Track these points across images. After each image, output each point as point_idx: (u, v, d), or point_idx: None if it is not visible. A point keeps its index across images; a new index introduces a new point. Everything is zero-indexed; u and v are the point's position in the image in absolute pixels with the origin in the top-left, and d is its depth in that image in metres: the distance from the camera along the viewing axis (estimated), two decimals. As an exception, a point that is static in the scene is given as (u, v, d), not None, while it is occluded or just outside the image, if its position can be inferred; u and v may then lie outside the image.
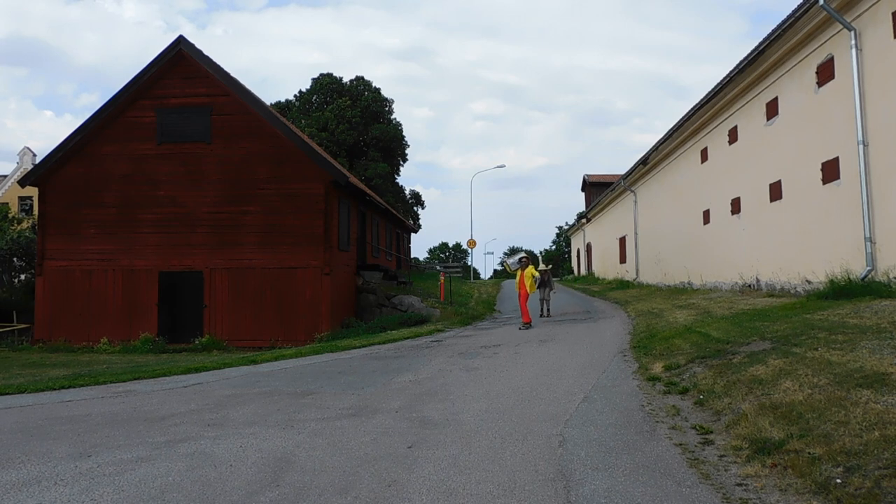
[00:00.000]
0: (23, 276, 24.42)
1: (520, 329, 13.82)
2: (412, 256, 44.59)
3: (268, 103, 24.17)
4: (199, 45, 17.91)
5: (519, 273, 15.34)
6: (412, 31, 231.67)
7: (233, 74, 17.89)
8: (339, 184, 17.69)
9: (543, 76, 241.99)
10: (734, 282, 15.37)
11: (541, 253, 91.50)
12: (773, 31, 12.21)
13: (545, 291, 16.75)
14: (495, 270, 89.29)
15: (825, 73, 11.20)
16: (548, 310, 16.65)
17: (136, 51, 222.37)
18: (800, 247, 12.09)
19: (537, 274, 15.59)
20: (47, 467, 4.72)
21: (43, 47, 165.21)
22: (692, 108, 17.31)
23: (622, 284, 26.21)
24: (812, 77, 11.64)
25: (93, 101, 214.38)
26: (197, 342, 16.67)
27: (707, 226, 17.49)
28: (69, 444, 5.43)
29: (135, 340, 16.82)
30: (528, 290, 14.90)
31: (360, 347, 12.45)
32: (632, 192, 26.30)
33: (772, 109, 13.36)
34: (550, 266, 18.30)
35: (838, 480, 3.43)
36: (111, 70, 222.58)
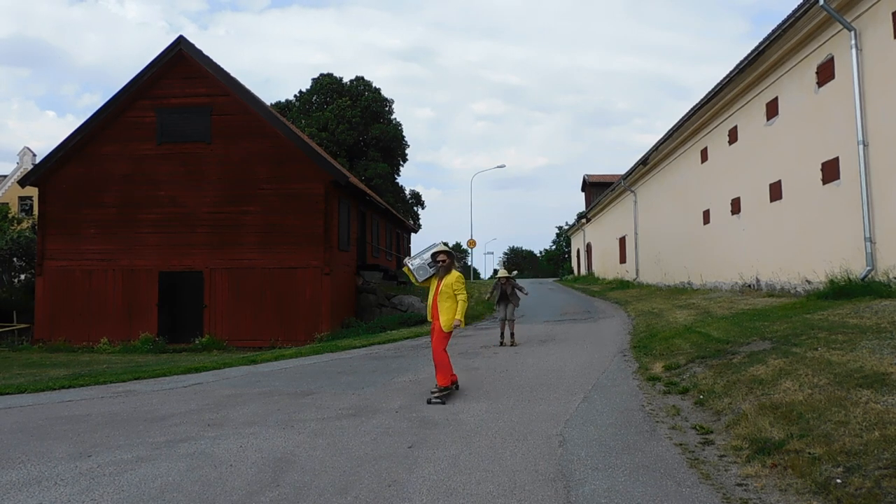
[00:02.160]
0: (23, 276, 24.43)
1: (430, 401, 6.62)
2: (412, 256, 44.56)
3: (268, 103, 24.18)
4: (201, 46, 17.93)
5: (434, 284, 7.19)
6: (414, 32, 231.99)
7: (235, 75, 17.93)
8: (339, 184, 17.69)
9: (545, 77, 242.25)
10: (734, 282, 15.36)
11: (540, 254, 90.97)
12: (773, 31, 12.21)
13: (507, 308, 11.58)
14: (495, 270, 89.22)
15: (825, 73, 11.19)
16: (511, 334, 11.44)
17: (139, 51, 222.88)
18: (800, 247, 12.09)
19: (457, 290, 7.06)
20: (47, 467, 4.72)
21: (46, 48, 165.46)
22: (692, 109, 17.31)
23: (622, 284, 26.21)
24: (812, 77, 11.64)
25: (95, 102, 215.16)
26: (197, 342, 16.68)
27: (707, 226, 17.49)
28: (69, 444, 5.42)
29: (135, 340, 16.83)
30: (444, 326, 6.93)
31: (360, 347, 12.44)
32: (632, 192, 26.30)
33: (772, 109, 13.36)
34: (515, 273, 12.84)
35: (838, 480, 3.43)
36: (114, 71, 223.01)
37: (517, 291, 11.86)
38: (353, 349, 12.22)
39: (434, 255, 7.14)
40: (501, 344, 11.40)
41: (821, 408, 4.55)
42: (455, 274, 7.02)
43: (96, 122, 17.79)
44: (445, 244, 7.31)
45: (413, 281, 7.27)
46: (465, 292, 7.01)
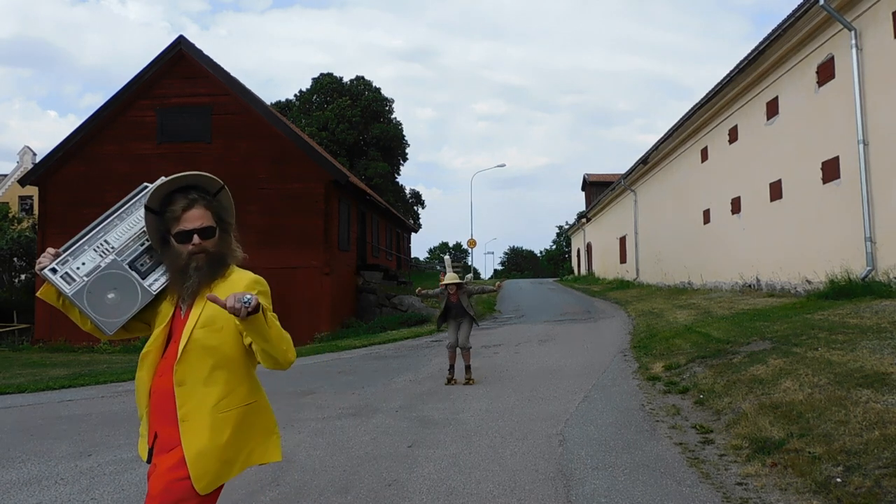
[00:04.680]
0: (23, 276, 24.43)
1: None
2: (412, 256, 44.58)
3: (269, 103, 24.18)
4: (203, 46, 18.00)
5: (160, 322, 2.05)
6: (416, 33, 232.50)
7: (236, 75, 17.95)
8: (339, 183, 17.69)
9: (546, 77, 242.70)
10: (734, 282, 15.36)
11: (540, 253, 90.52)
12: (774, 30, 12.21)
13: (459, 330, 7.98)
14: (495, 270, 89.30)
15: (825, 72, 11.19)
16: (466, 367, 7.89)
17: (141, 52, 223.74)
18: (800, 246, 12.09)
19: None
20: (47, 466, 4.72)
21: (48, 48, 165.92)
22: (692, 108, 17.31)
23: (622, 284, 26.20)
24: (812, 77, 11.63)
25: (96, 102, 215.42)
26: (197, 342, 16.67)
27: (707, 225, 17.48)
28: (69, 443, 5.43)
29: (135, 340, 16.82)
30: (200, 481, 1.88)
31: (360, 347, 12.45)
32: (632, 191, 26.29)
33: (772, 109, 13.36)
34: (469, 277, 7.13)
35: (838, 480, 3.43)
36: (115, 71, 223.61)
37: (469, 307, 8.01)
38: (353, 349, 12.22)
39: (160, 225, 2.08)
40: (450, 381, 7.78)
41: (821, 407, 4.55)
42: (247, 278, 2.12)
43: (96, 122, 17.79)
44: (205, 176, 2.09)
45: (82, 325, 2.17)
46: (276, 319, 1.99)
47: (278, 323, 1.98)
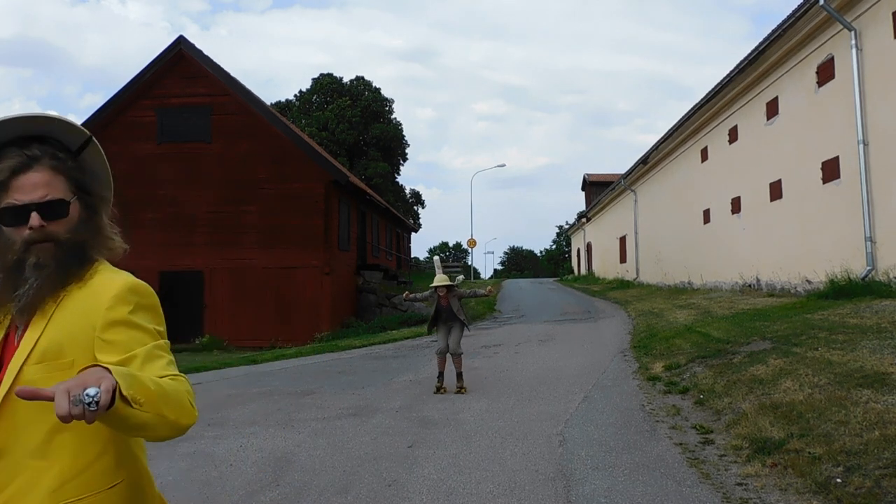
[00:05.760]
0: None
1: None
2: (412, 256, 44.58)
3: (269, 103, 24.19)
4: (203, 47, 18.02)
5: None
6: (416, 33, 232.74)
7: (236, 75, 17.97)
8: (339, 183, 17.70)
9: (546, 77, 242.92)
10: (734, 281, 15.36)
11: (540, 253, 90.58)
12: (774, 30, 12.21)
13: (450, 335, 7.50)
14: (495, 270, 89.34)
15: (825, 72, 11.19)
16: (458, 374, 7.35)
17: (141, 52, 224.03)
18: (800, 246, 12.09)
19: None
20: (47, 467, 4.72)
21: (48, 48, 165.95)
22: (692, 108, 17.31)
23: (622, 284, 26.20)
24: (812, 77, 11.63)
25: (97, 102, 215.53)
26: (197, 342, 16.67)
27: (707, 225, 17.49)
28: (69, 443, 5.42)
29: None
30: None
31: (360, 347, 12.45)
32: (632, 191, 26.29)
33: (772, 109, 13.36)
34: (461, 278, 8.70)
35: (838, 480, 3.43)
36: (116, 71, 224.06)
37: (459, 310, 7.49)
38: (353, 349, 12.22)
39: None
40: (439, 389, 7.23)
41: (821, 407, 4.55)
42: (117, 285, 1.30)
43: (96, 122, 17.75)
44: (57, 119, 1.38)
45: None
46: (165, 354, 1.25)
47: (166, 362, 1.23)
